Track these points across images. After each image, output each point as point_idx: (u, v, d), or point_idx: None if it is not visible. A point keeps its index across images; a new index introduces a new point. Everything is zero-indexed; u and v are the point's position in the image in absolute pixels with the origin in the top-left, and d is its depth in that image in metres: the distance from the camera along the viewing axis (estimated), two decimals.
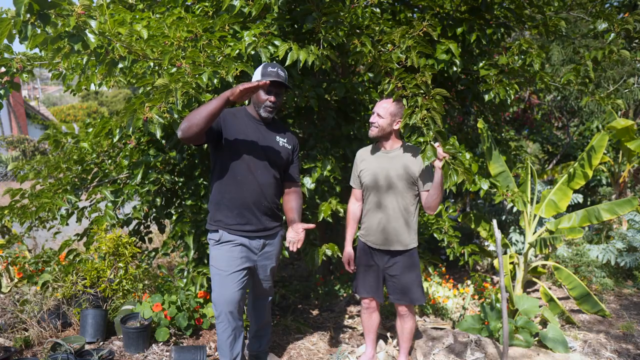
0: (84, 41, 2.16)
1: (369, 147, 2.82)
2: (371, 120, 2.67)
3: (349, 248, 2.89)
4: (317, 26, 2.78)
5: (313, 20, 2.79)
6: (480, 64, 3.57)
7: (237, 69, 2.60)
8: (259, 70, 2.49)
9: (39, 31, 2.10)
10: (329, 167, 3.19)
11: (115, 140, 3.10)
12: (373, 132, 2.67)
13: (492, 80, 3.41)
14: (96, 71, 3.48)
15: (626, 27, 3.31)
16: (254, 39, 2.73)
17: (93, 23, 2.15)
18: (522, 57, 3.42)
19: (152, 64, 2.62)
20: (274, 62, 2.72)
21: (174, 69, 2.48)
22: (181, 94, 2.33)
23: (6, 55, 2.63)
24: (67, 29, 2.10)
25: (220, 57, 2.63)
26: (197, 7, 3.11)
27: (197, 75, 2.44)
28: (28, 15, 2.01)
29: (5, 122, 19.90)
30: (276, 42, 2.76)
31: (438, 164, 2.49)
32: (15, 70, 2.65)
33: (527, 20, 3.71)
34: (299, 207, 2.66)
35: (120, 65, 2.53)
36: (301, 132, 3.81)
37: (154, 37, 2.64)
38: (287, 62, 2.71)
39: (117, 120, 3.09)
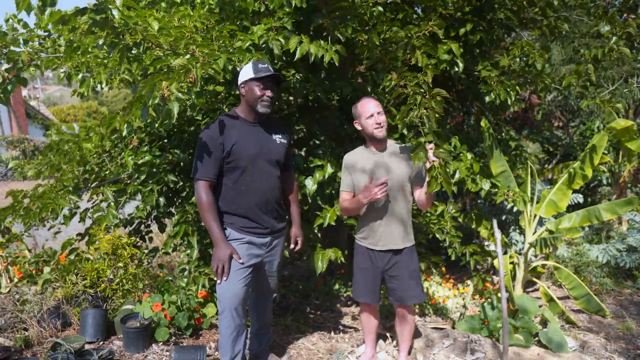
0: (106, 17, 2.16)
1: (357, 151, 2.78)
2: (379, 120, 2.63)
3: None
4: (326, 22, 2.78)
5: (322, 17, 2.79)
6: (482, 65, 3.55)
7: (251, 60, 2.59)
8: (250, 68, 2.48)
9: (55, 9, 2.11)
10: (330, 171, 3.18)
11: (124, 133, 3.07)
12: (382, 132, 2.64)
13: (493, 82, 3.39)
14: (104, 68, 3.43)
15: (628, 31, 3.31)
16: (265, 31, 2.73)
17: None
18: (525, 58, 3.41)
19: (163, 54, 2.60)
20: (265, 61, 2.72)
21: (188, 55, 2.44)
22: (201, 75, 2.26)
23: (13, 48, 2.61)
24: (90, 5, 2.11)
25: (232, 48, 2.64)
26: (203, 4, 3.11)
27: (212, 61, 2.39)
28: None
29: (5, 121, 19.89)
30: (288, 35, 2.76)
31: (428, 165, 2.48)
32: (22, 64, 2.63)
33: (529, 21, 3.71)
34: (297, 200, 2.85)
35: (133, 51, 2.50)
36: (304, 131, 3.79)
37: (165, 29, 2.62)
38: (297, 56, 2.71)
39: (122, 115, 3.05)
